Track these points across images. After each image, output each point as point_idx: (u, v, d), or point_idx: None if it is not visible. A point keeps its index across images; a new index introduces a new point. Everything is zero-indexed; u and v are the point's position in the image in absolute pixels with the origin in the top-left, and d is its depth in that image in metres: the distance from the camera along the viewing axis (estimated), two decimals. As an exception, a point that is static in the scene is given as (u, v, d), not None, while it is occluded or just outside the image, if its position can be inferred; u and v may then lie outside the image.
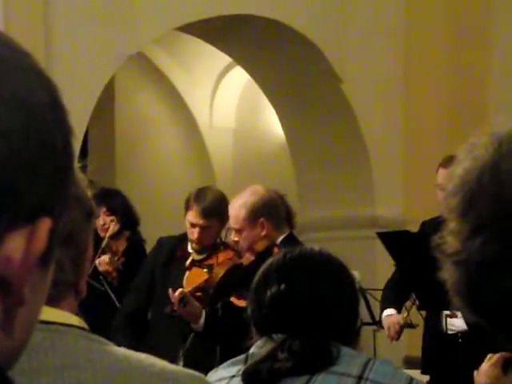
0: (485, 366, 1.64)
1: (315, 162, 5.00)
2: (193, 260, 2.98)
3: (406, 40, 5.02)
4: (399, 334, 3.07)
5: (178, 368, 0.82)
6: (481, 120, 4.58)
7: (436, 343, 3.01)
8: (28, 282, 0.45)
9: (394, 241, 3.05)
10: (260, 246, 2.61)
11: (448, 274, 0.61)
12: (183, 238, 3.03)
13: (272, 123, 5.85)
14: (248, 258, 2.64)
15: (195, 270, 2.97)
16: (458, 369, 2.79)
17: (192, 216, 2.92)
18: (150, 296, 3.02)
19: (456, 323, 2.92)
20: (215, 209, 2.94)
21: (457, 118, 4.87)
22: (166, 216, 5.37)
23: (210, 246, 2.98)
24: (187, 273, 2.96)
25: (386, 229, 3.65)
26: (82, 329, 0.83)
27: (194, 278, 2.94)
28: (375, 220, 4.77)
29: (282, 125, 5.19)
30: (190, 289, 2.81)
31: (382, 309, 3.15)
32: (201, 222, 2.92)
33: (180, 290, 2.73)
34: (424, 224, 3.17)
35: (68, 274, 0.85)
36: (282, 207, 2.71)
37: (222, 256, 2.97)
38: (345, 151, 4.90)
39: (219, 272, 2.88)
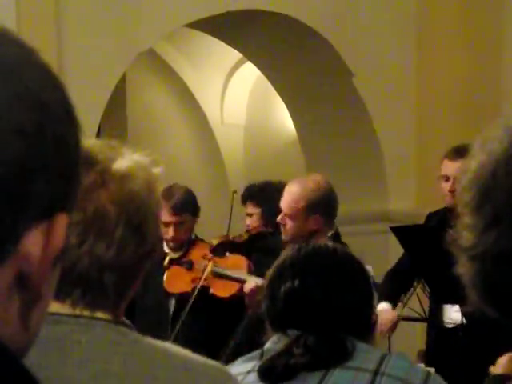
0: (503, 359, 1.64)
1: (327, 157, 4.99)
2: (170, 259, 3.00)
3: (418, 32, 4.98)
4: (392, 330, 3.04)
5: (202, 359, 0.82)
6: (495, 113, 4.55)
7: (438, 337, 3.00)
8: (46, 279, 0.45)
9: (408, 235, 3.04)
10: (318, 238, 2.58)
11: (464, 268, 0.61)
12: None
13: (283, 119, 5.84)
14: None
15: (174, 268, 2.99)
16: (461, 362, 2.78)
17: (164, 215, 2.94)
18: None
19: (454, 316, 2.91)
20: (185, 203, 2.99)
21: (471, 111, 4.83)
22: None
23: (186, 242, 3.01)
24: (166, 272, 2.97)
25: (399, 223, 3.64)
26: (109, 321, 0.83)
27: (174, 277, 2.96)
28: (388, 214, 4.75)
29: (293, 120, 5.18)
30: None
31: (378, 298, 3.12)
32: (174, 219, 2.96)
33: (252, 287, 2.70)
34: (429, 216, 3.16)
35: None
36: (337, 203, 2.70)
37: (198, 251, 2.99)
38: (357, 145, 4.88)
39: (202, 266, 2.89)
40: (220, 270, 2.91)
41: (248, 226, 3.22)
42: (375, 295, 1.44)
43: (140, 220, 0.89)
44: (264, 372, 1.27)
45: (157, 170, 0.94)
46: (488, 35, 4.91)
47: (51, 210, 0.45)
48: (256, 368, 1.28)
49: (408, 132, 4.98)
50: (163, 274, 2.97)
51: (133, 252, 0.88)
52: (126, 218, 0.87)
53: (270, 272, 1.38)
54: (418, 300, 3.28)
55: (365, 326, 1.33)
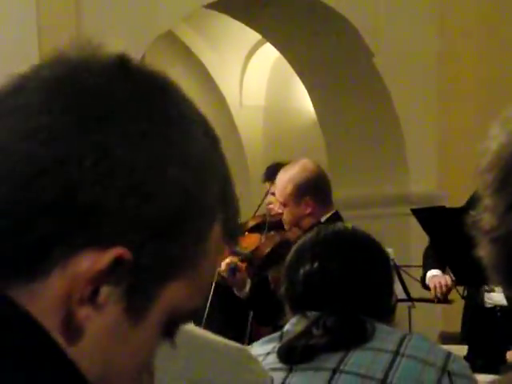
0: None
1: (347, 138, 4.96)
2: None
3: (439, 11, 4.91)
4: (446, 294, 3.01)
5: (224, 340, 0.82)
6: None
7: (474, 316, 3.00)
8: (91, 311, 0.47)
9: (429, 217, 3.02)
10: (306, 222, 2.59)
11: (485, 250, 0.60)
12: None
13: (302, 100, 5.81)
14: (295, 233, 2.63)
15: None
16: (495, 342, 2.79)
17: None
18: None
19: (494, 297, 2.91)
20: None
21: (494, 93, 4.76)
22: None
23: None
24: None
25: (420, 205, 3.61)
26: None
27: None
28: (409, 196, 4.72)
29: (313, 101, 5.15)
30: (239, 257, 2.84)
31: (426, 271, 3.12)
32: None
33: (230, 258, 2.76)
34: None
35: None
36: (328, 185, 2.70)
37: None
38: (377, 127, 4.85)
39: (261, 247, 2.90)
40: (238, 251, 2.92)
41: (271, 203, 3.20)
42: (395, 277, 1.43)
43: None
44: (283, 353, 1.27)
45: None
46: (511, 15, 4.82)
47: (109, 241, 0.46)
48: (275, 349, 1.28)
49: (429, 113, 4.92)
50: None
51: None
52: None
53: (289, 255, 1.38)
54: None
55: (385, 308, 1.33)
